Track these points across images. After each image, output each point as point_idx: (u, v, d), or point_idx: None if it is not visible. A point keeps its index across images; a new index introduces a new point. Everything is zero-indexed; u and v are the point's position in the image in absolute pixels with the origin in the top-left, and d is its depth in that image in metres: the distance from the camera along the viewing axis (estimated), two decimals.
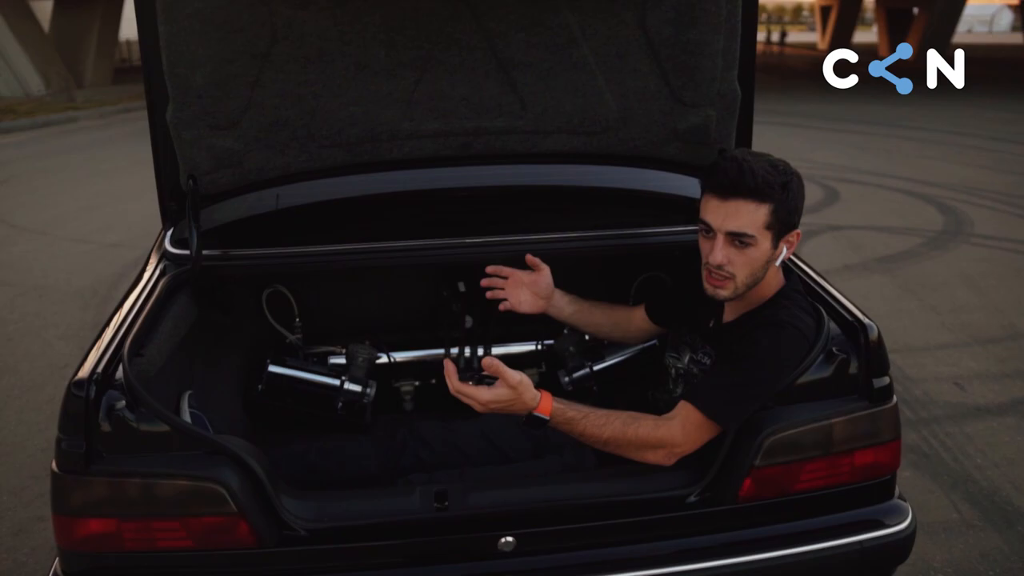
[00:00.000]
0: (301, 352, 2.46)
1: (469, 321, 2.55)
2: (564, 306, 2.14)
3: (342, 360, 2.44)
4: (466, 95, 2.05)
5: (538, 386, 2.46)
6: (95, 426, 1.48)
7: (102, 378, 1.52)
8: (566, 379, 2.46)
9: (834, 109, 14.78)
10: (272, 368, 2.31)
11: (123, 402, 1.51)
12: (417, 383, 2.51)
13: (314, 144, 2.06)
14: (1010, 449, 3.18)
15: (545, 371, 2.55)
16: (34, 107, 15.61)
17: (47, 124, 14.10)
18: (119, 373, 1.56)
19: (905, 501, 1.81)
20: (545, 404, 1.65)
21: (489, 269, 2.13)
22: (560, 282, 2.17)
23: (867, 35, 44.99)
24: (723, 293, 1.72)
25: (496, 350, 2.49)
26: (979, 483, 2.94)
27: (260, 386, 2.31)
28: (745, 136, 2.21)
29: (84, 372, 1.52)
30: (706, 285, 1.73)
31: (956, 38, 30.35)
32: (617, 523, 1.63)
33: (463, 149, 2.14)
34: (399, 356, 2.50)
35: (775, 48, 41.43)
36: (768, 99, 15.66)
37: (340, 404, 2.32)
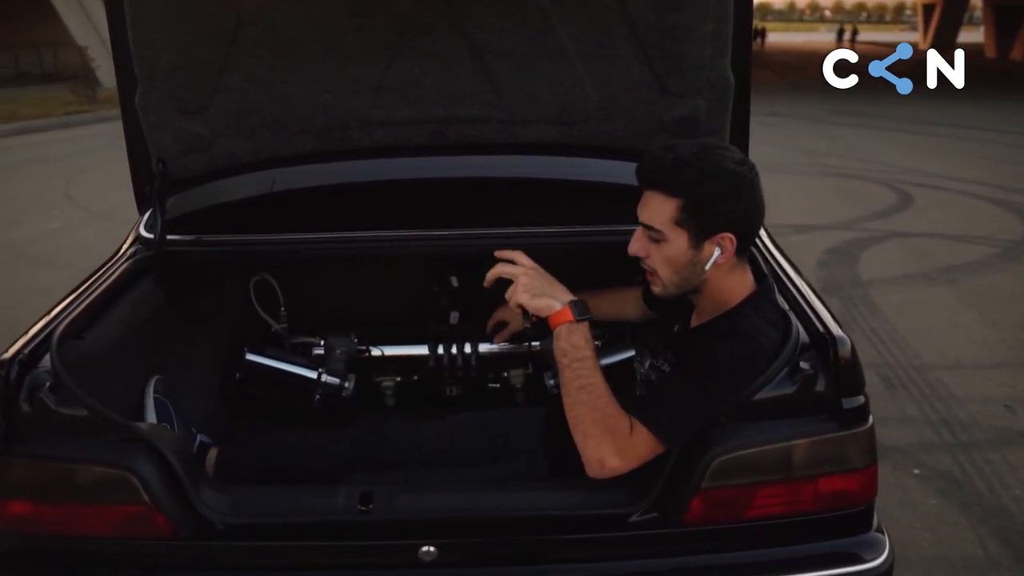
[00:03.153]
0: (286, 342, 2.44)
1: (455, 317, 2.47)
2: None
3: (323, 352, 2.40)
4: (438, 82, 1.97)
5: (523, 387, 2.42)
6: (16, 407, 1.47)
7: (28, 359, 1.51)
8: (551, 382, 2.36)
9: (902, 111, 14.05)
10: (249, 356, 2.28)
11: (47, 384, 1.49)
12: (399, 379, 2.44)
13: (284, 130, 2.02)
14: None
15: (531, 372, 2.45)
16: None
17: None
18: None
19: (884, 534, 1.63)
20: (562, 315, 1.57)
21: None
22: (559, 279, 2.06)
23: (974, 35, 42.70)
24: (655, 289, 1.63)
25: (483, 348, 2.40)
26: (1015, 517, 2.68)
27: (237, 375, 2.29)
28: (740, 129, 2.05)
29: (9, 352, 1.51)
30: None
31: None
32: (551, 539, 1.53)
33: (436, 138, 2.06)
34: (382, 350, 2.44)
35: (847, 45, 41.02)
36: (842, 99, 15.06)
37: (317, 396, 2.28)
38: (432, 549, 1.49)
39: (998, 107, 14.26)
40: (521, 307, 1.63)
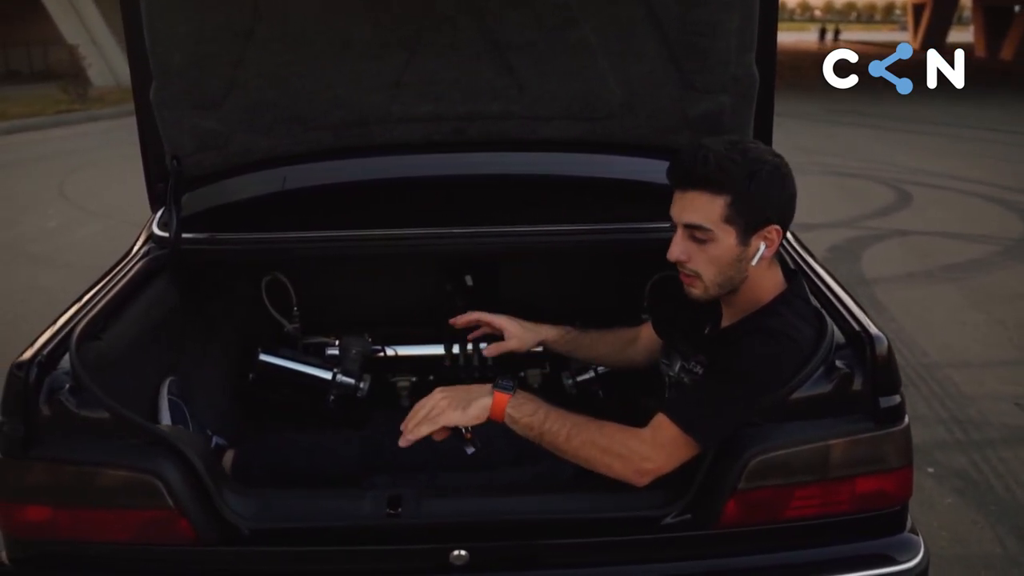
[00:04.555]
0: (299, 342, 2.40)
1: None
2: (560, 346, 1.97)
3: (338, 352, 2.36)
4: (458, 77, 1.94)
5: (541, 387, 2.39)
6: (35, 409, 1.43)
7: (47, 360, 1.47)
8: (569, 381, 2.33)
9: (903, 110, 14.09)
10: (263, 357, 2.25)
11: (67, 386, 1.45)
12: (414, 379, 2.41)
13: (300, 127, 1.99)
14: None
15: (549, 372, 2.42)
16: (124, 96, 16.24)
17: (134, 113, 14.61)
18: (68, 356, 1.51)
19: (918, 535, 1.61)
20: (500, 402, 1.52)
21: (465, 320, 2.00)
22: (566, 283, 2.03)
23: (963, 35, 42.91)
24: (694, 292, 1.57)
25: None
26: None
27: (251, 375, 2.26)
28: (764, 125, 2.03)
29: (28, 353, 1.47)
30: (683, 285, 1.59)
31: None
32: (582, 543, 1.50)
33: (457, 134, 2.03)
34: (397, 350, 2.41)
35: (829, 45, 43.27)
36: (840, 99, 15.09)
37: (332, 397, 2.25)
38: (463, 553, 1.46)
39: (995, 106, 14.31)
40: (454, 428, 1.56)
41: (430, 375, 2.42)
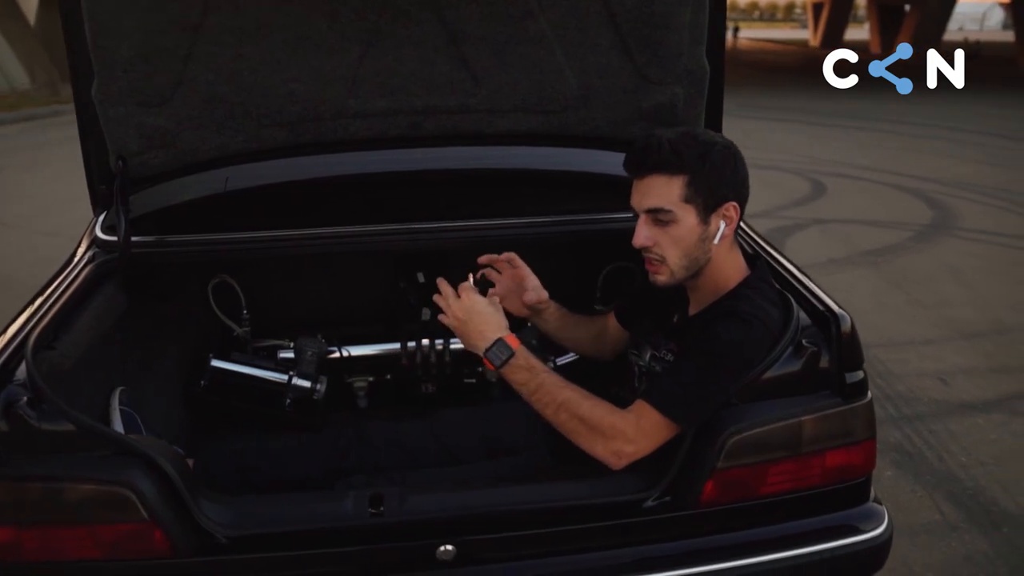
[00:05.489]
0: (248, 346, 2.34)
1: (427, 313, 2.42)
2: (552, 318, 1.97)
3: (291, 354, 2.31)
4: (415, 71, 1.91)
5: (499, 381, 2.38)
6: None
7: (1, 373, 1.39)
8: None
9: (827, 105, 14.69)
10: (215, 363, 2.18)
11: (24, 399, 1.38)
12: (371, 379, 2.38)
13: (252, 123, 1.92)
14: (996, 447, 3.07)
15: None
16: (18, 101, 15.41)
17: (31, 118, 13.85)
18: (23, 368, 1.43)
19: (881, 504, 1.68)
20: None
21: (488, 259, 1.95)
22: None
23: (859, 32, 44.93)
24: (660, 279, 1.61)
25: (455, 344, 2.36)
26: (963, 483, 2.82)
27: (203, 382, 2.19)
28: (715, 116, 2.08)
29: None
30: (648, 273, 1.63)
31: (948, 35, 30.29)
32: (566, 530, 1.51)
33: (413, 129, 2.00)
34: (352, 351, 2.37)
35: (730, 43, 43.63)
36: (756, 93, 15.59)
37: (288, 401, 2.19)
38: (450, 548, 1.45)
39: (892, 100, 15.01)
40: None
41: (387, 374, 2.39)
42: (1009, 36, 32.41)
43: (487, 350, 1.56)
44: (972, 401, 3.44)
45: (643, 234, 1.59)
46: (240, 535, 1.42)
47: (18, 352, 1.46)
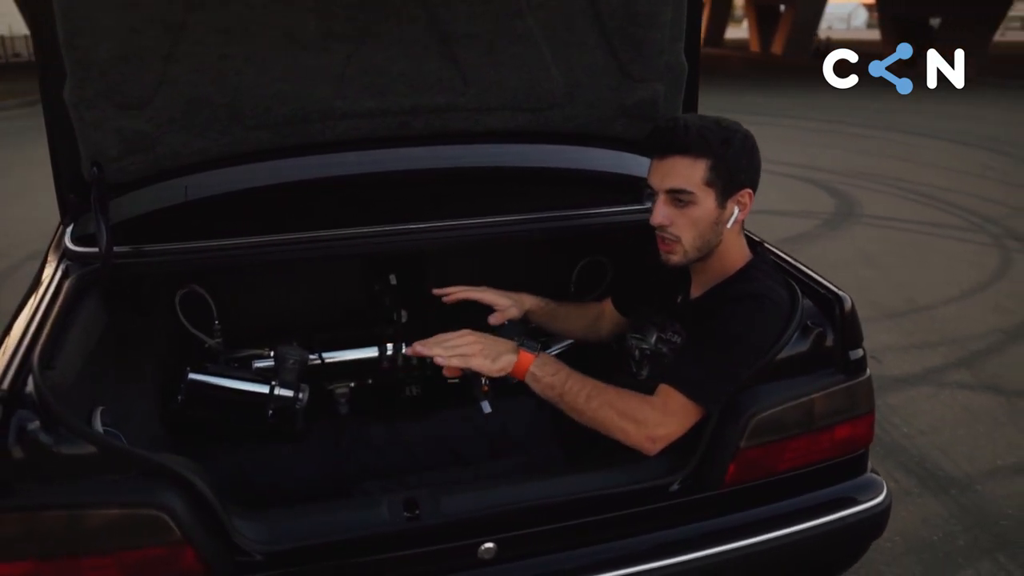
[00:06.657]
0: (223, 357, 2.25)
1: (404, 316, 2.39)
2: (536, 318, 2.03)
3: (269, 363, 2.23)
4: (404, 70, 1.89)
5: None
6: (4, 453, 1.25)
7: (9, 396, 1.29)
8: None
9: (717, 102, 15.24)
10: (192, 376, 2.08)
11: (36, 422, 1.28)
12: (352, 384, 2.33)
13: (237, 125, 1.86)
14: (930, 417, 3.29)
15: None
16: None
17: None
18: (28, 389, 1.33)
19: (879, 475, 1.78)
20: (525, 360, 1.56)
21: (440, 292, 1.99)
22: (500, 272, 2.04)
23: (738, 31, 46.85)
24: (673, 258, 1.67)
25: None
26: (909, 451, 3.01)
27: (180, 396, 2.09)
28: (691, 110, 2.15)
29: None
30: (660, 252, 1.68)
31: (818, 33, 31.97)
32: (602, 519, 1.53)
33: (401, 129, 1.98)
34: (331, 356, 2.31)
35: None
36: None
37: (271, 411, 2.12)
38: (491, 545, 1.45)
39: (780, 96, 15.78)
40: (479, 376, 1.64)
41: (368, 379, 2.35)
42: (873, 34, 34.54)
43: (520, 346, 1.59)
44: (903, 376, 3.67)
45: (661, 213, 1.63)
46: (276, 550, 1.38)
47: (19, 375, 1.36)
